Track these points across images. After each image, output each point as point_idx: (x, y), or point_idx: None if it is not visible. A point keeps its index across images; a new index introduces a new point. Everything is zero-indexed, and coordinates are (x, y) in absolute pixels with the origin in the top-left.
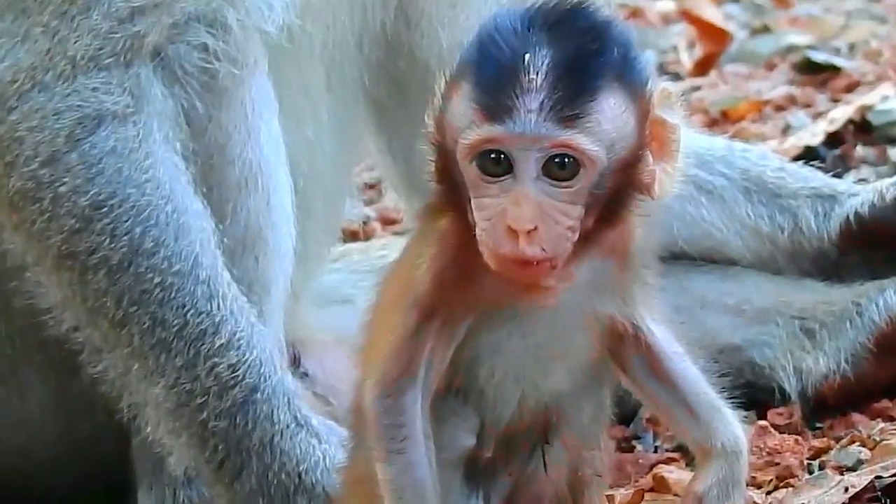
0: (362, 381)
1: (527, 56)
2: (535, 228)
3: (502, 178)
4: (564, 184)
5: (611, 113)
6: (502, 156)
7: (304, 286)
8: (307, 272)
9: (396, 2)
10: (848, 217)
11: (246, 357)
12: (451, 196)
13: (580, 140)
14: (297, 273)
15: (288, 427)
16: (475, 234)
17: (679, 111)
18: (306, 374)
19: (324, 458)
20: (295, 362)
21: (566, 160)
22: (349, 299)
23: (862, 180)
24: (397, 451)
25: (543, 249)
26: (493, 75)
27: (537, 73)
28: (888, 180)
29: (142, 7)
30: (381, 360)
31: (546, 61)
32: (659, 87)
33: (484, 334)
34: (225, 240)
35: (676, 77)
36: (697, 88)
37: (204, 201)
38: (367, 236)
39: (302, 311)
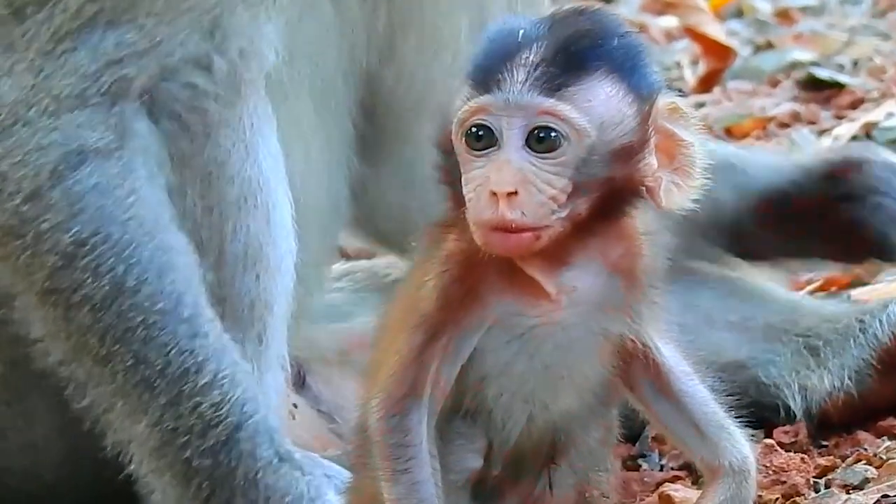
0: (367, 400)
1: (522, 33)
2: (516, 193)
3: (489, 151)
4: (549, 155)
5: (604, 96)
6: (489, 129)
7: (303, 308)
8: (305, 294)
9: (382, 42)
10: (765, 189)
11: (229, 396)
12: (457, 197)
13: (566, 109)
14: (295, 296)
15: (271, 463)
16: (481, 252)
17: (695, 129)
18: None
19: (308, 491)
20: (300, 381)
21: (551, 132)
22: (354, 317)
23: None
24: (403, 470)
25: (524, 214)
26: (490, 54)
27: (531, 49)
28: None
29: (131, 52)
30: (387, 380)
31: (543, 41)
32: (668, 99)
33: (491, 354)
34: (226, 258)
35: (680, 94)
36: (701, 105)
37: (188, 238)
38: (372, 254)
39: (306, 330)
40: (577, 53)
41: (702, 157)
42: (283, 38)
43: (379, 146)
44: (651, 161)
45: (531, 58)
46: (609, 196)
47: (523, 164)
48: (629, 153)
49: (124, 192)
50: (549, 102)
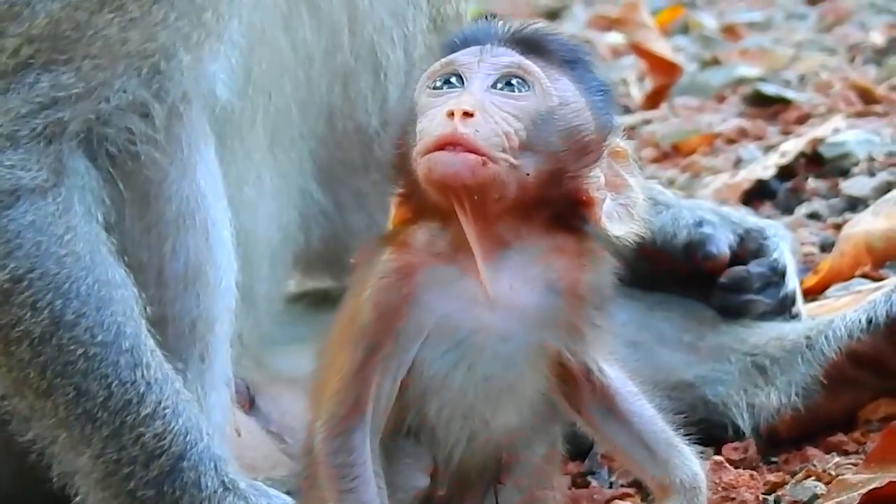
0: (312, 422)
1: (501, 20)
2: (473, 115)
3: (451, 91)
4: (511, 95)
5: (570, 86)
6: (458, 76)
7: (253, 335)
8: (256, 323)
9: (341, 75)
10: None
11: (172, 426)
12: (406, 186)
13: (536, 68)
14: (246, 323)
15: (216, 492)
16: (416, 259)
17: (638, 177)
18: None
19: None
20: (250, 402)
21: (518, 81)
22: (307, 340)
23: (814, 214)
24: (349, 490)
25: (477, 132)
26: (463, 32)
27: (505, 29)
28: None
29: (65, 95)
30: (330, 400)
31: (517, 28)
32: (620, 143)
33: (430, 366)
34: (165, 278)
35: (627, 110)
36: (648, 122)
37: (126, 270)
38: None
39: (260, 353)
40: (549, 44)
41: (643, 203)
42: (233, 71)
43: (338, 176)
44: (599, 177)
45: (510, 30)
46: (554, 182)
47: (484, 97)
48: (581, 146)
49: (61, 229)
50: (521, 58)
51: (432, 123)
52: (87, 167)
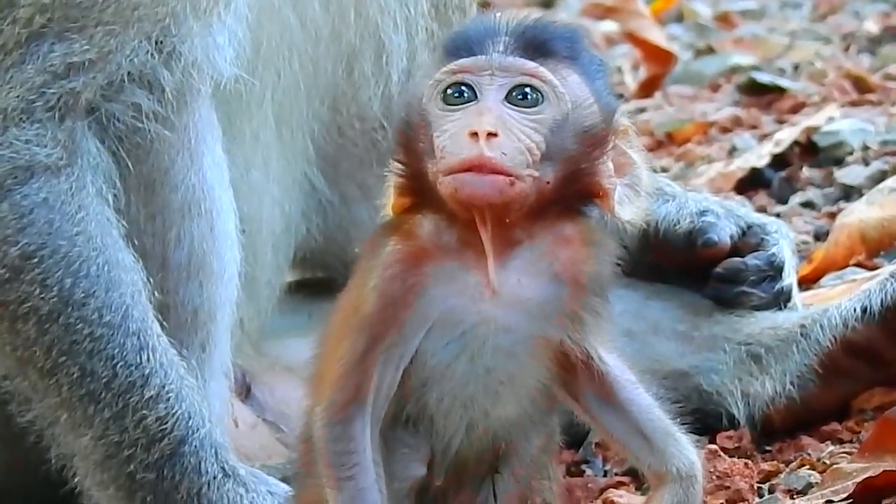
0: (311, 408)
1: (498, 17)
2: (496, 135)
3: (466, 105)
4: (528, 109)
5: (577, 81)
6: (469, 87)
7: (255, 323)
8: (257, 310)
9: (346, 57)
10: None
11: (174, 410)
12: (412, 184)
13: (548, 73)
14: (247, 311)
15: (215, 478)
16: (422, 250)
17: (642, 153)
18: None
19: None
20: (246, 390)
21: (532, 91)
22: (305, 328)
23: (808, 203)
24: (347, 478)
25: (504, 154)
26: (470, 28)
27: (511, 27)
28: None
29: (77, 64)
30: (330, 387)
31: (517, 27)
32: (623, 121)
33: (433, 357)
34: (169, 266)
35: (621, 99)
36: (642, 110)
37: (135, 254)
38: None
39: (257, 340)
40: (552, 41)
41: (647, 180)
42: (241, 46)
43: (342, 168)
44: (609, 166)
45: (512, 31)
46: (570, 182)
47: (502, 112)
48: (593, 143)
49: (73, 208)
50: (533, 65)
51: (455, 143)
52: (98, 148)
